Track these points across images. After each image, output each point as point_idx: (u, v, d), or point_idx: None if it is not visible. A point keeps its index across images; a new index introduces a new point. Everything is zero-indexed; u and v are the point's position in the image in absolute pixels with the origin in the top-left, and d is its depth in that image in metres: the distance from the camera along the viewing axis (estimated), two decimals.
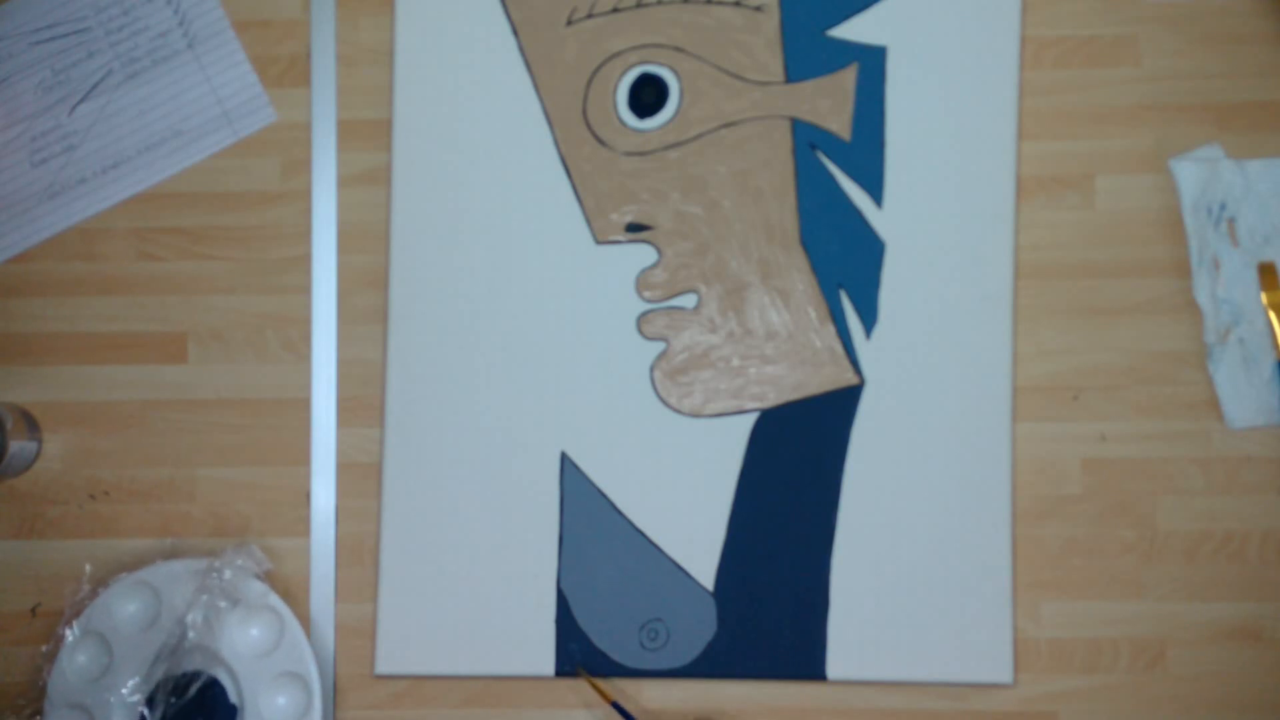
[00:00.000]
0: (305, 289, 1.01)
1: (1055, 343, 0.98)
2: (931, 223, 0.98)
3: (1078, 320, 0.98)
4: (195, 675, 0.95)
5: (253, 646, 0.96)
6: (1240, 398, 0.96)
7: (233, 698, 0.96)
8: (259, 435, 1.01)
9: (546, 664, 0.97)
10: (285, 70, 1.03)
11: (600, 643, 0.97)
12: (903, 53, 0.99)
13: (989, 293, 0.97)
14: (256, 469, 1.01)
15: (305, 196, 1.02)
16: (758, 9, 1.00)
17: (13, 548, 1.01)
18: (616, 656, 0.97)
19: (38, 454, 1.01)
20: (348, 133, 1.02)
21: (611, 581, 0.97)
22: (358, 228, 1.02)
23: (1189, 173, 0.97)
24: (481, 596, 0.98)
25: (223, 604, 0.95)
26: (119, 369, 1.02)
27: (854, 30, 0.99)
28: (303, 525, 1.00)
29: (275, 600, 0.96)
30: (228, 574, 0.95)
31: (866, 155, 0.99)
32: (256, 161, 1.02)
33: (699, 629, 0.97)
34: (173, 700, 0.95)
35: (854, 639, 0.96)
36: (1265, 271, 0.97)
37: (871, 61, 0.99)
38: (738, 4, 1.00)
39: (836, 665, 0.96)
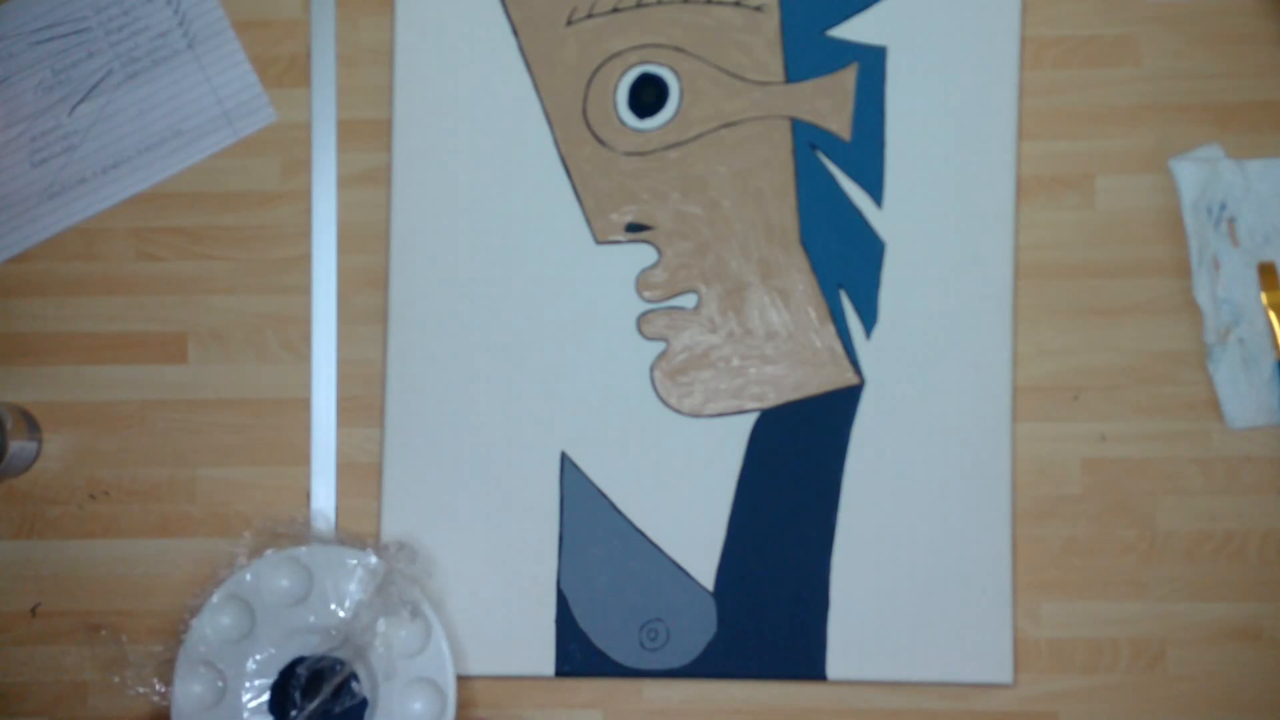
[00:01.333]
0: (305, 289, 1.01)
1: (1055, 343, 0.98)
2: (931, 223, 0.98)
3: (1078, 320, 0.98)
4: (335, 662, 0.95)
5: (397, 647, 0.95)
6: (1240, 398, 0.96)
7: (365, 692, 0.96)
8: (259, 435, 1.01)
9: (546, 664, 0.97)
10: (285, 70, 1.03)
11: (600, 643, 0.97)
12: (903, 53, 0.99)
13: (989, 293, 0.97)
14: (256, 469, 1.01)
15: (305, 196, 1.02)
16: (758, 9, 1.00)
17: (13, 548, 1.01)
18: (616, 656, 0.97)
19: (38, 454, 1.01)
20: (348, 133, 1.02)
21: (611, 581, 0.97)
22: (358, 228, 1.02)
23: (1189, 173, 0.97)
24: (481, 596, 0.98)
25: (380, 601, 0.94)
26: (119, 369, 1.02)
27: (854, 30, 0.99)
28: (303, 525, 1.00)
29: (427, 607, 0.95)
30: (392, 573, 0.95)
31: (866, 155, 0.99)
32: (256, 161, 1.02)
33: (699, 629, 0.97)
34: (310, 682, 0.95)
35: (854, 639, 0.96)
36: (1265, 271, 0.97)
37: (871, 61, 0.99)
38: (738, 4, 1.00)
39: (836, 665, 0.96)
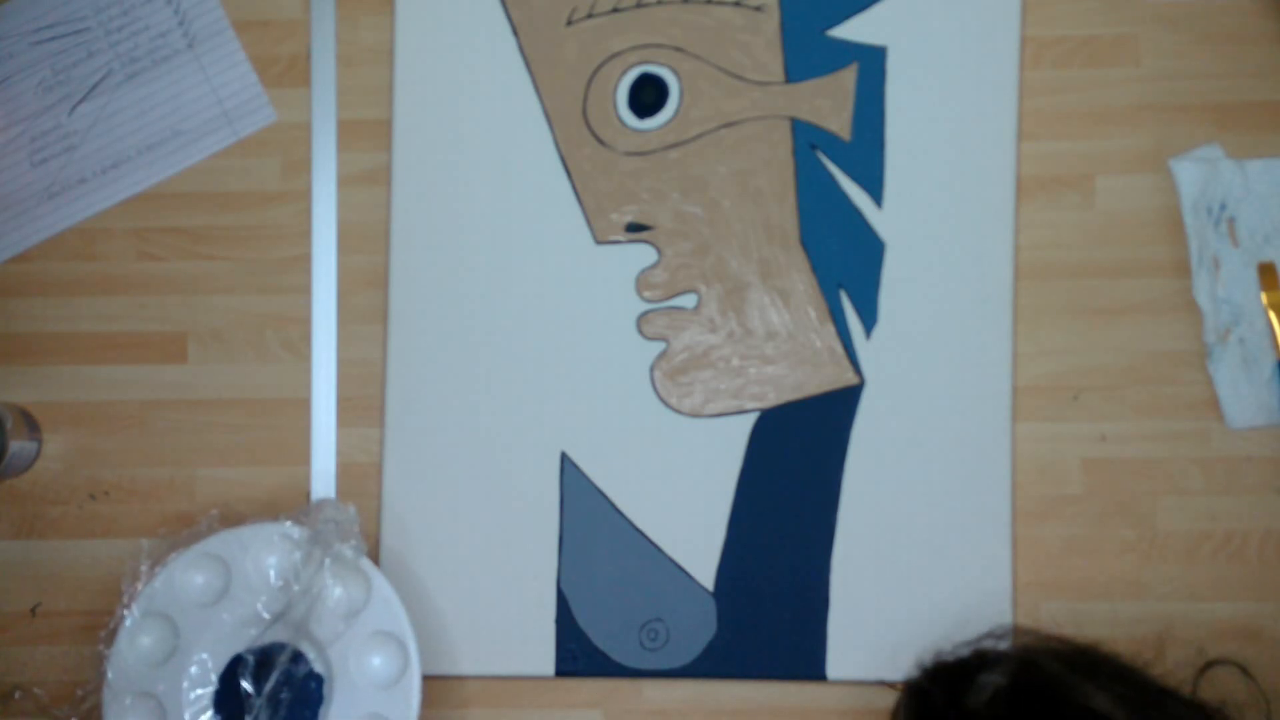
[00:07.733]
0: (305, 289, 1.01)
1: (1055, 343, 0.98)
2: (931, 223, 0.98)
3: (1078, 320, 0.98)
4: (277, 648, 0.90)
5: (338, 609, 0.89)
6: (1240, 398, 0.96)
7: (318, 667, 0.91)
8: (259, 435, 1.01)
9: (546, 664, 0.97)
10: (285, 70, 1.03)
11: (600, 643, 0.97)
12: (903, 53, 0.99)
13: (989, 293, 0.97)
14: (256, 469, 1.01)
15: (305, 196, 1.02)
16: (758, 9, 1.00)
17: (13, 548, 1.01)
18: (616, 656, 0.97)
19: (38, 454, 1.01)
20: (348, 133, 1.02)
21: (611, 581, 0.97)
22: (358, 228, 1.02)
23: (1189, 173, 0.97)
24: (481, 597, 0.98)
25: (308, 567, 0.88)
26: (119, 369, 1.02)
27: (854, 30, 0.99)
28: None
29: (362, 559, 0.90)
30: (316, 533, 0.89)
31: (866, 155, 0.99)
32: (256, 161, 1.02)
33: (699, 629, 0.97)
34: (259, 669, 0.89)
35: (854, 639, 0.96)
36: (1265, 271, 0.97)
37: (871, 61, 0.99)
38: (738, 4, 1.00)
39: (836, 665, 0.96)
